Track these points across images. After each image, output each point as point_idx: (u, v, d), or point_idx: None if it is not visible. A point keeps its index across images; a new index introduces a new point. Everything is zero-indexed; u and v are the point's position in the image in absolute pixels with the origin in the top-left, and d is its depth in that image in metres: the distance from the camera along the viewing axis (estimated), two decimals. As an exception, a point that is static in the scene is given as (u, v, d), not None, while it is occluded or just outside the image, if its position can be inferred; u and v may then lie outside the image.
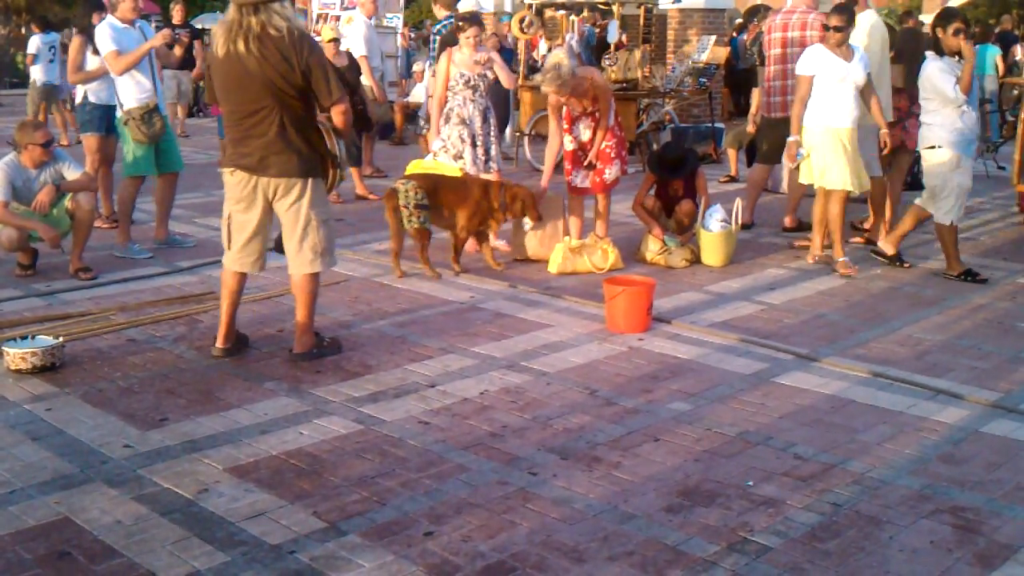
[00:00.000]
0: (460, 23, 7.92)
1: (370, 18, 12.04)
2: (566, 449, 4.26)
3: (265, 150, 5.02)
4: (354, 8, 13.06)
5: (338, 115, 5.08)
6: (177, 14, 15.25)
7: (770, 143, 8.88)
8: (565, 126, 7.56)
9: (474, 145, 7.71)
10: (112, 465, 4.06)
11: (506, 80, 8.00)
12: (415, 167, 7.76)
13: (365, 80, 11.65)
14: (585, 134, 7.56)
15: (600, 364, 5.36)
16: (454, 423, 4.54)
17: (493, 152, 7.85)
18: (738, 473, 4.04)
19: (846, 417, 4.66)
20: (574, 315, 6.25)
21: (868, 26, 7.84)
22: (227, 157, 5.15)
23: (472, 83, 7.70)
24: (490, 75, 7.80)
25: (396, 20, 17.37)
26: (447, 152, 7.68)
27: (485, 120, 7.78)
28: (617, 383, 5.07)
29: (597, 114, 7.46)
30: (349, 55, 10.83)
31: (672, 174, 7.79)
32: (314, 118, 5.13)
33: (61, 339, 5.35)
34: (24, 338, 5.31)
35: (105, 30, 7.57)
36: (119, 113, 7.61)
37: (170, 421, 4.52)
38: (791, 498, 3.83)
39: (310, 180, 5.12)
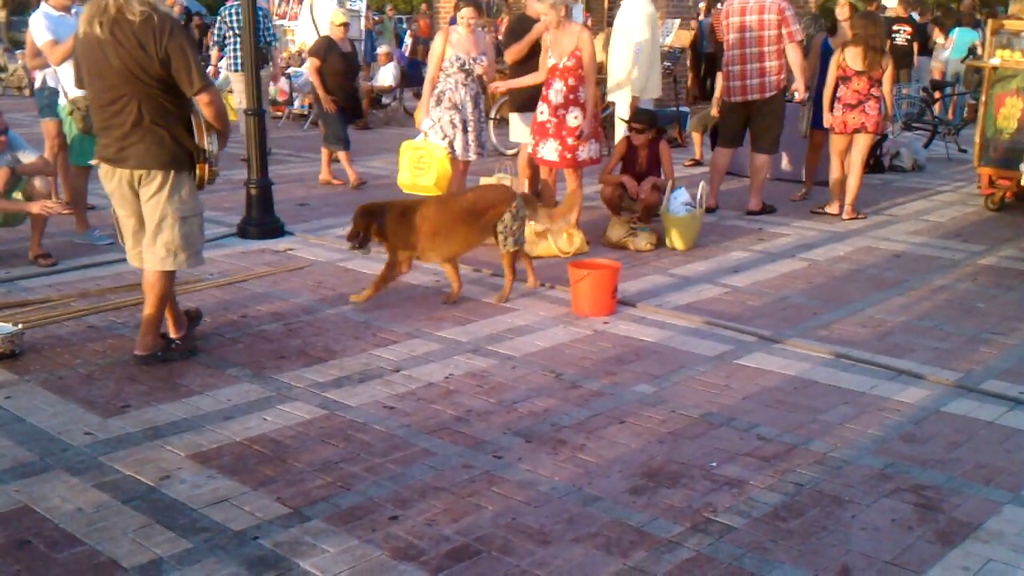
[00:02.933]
0: (458, 3, 7.86)
1: None
2: (531, 432, 4.26)
3: (123, 140, 4.76)
4: None
5: (203, 106, 4.79)
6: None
7: (729, 127, 8.92)
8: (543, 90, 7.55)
9: (465, 131, 7.68)
10: (73, 453, 4.01)
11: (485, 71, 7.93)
12: (407, 148, 7.72)
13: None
14: (556, 99, 7.43)
15: (565, 347, 5.36)
16: (419, 407, 4.53)
17: (483, 138, 7.86)
18: (702, 454, 4.06)
19: (809, 398, 4.70)
20: (539, 299, 6.24)
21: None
22: (96, 147, 4.97)
23: (467, 67, 7.64)
24: (484, 60, 7.74)
25: (360, 3, 17.27)
26: (436, 133, 7.65)
27: (476, 105, 7.76)
28: (582, 366, 5.07)
29: (572, 81, 7.39)
30: (352, 42, 10.72)
31: (642, 129, 7.84)
32: (182, 109, 4.81)
33: (20, 326, 5.27)
34: (-18, 325, 5.24)
35: (39, 19, 7.42)
36: (62, 102, 7.48)
37: (131, 408, 4.47)
38: (754, 478, 3.85)
39: (172, 173, 4.81)
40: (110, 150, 4.81)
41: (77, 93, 7.39)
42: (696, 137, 12.01)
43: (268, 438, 4.18)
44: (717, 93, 9.17)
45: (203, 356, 5.14)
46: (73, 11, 7.62)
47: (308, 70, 10.33)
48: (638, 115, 8.11)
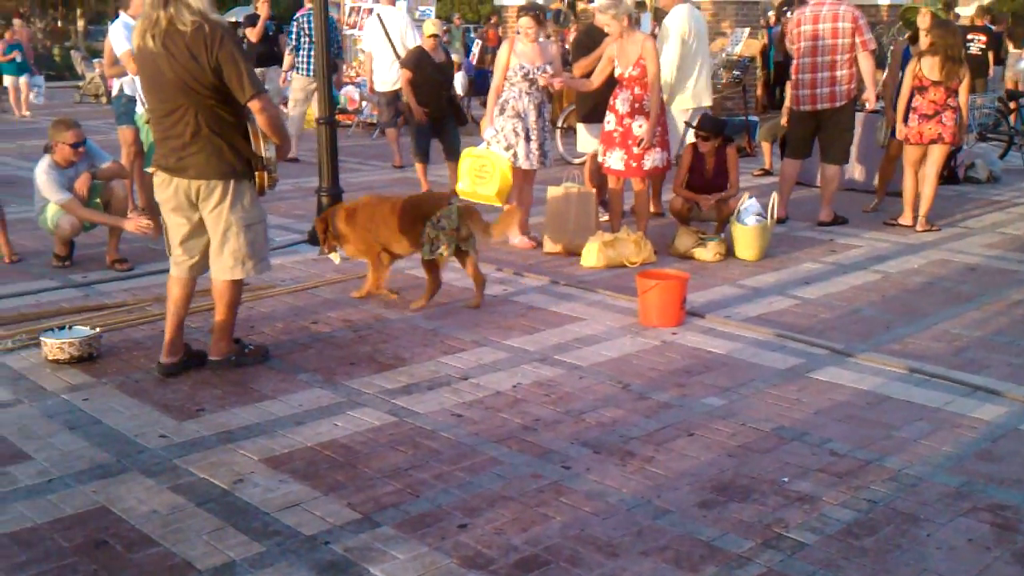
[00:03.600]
0: (518, 13, 7.89)
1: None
2: (599, 443, 4.25)
3: (182, 151, 4.76)
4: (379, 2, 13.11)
5: (256, 113, 4.72)
6: (263, 7, 13.75)
7: (798, 136, 8.82)
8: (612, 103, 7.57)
9: (528, 139, 7.68)
10: (148, 455, 4.09)
11: (561, 83, 7.91)
12: (467, 155, 7.77)
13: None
14: (623, 108, 7.51)
15: (633, 358, 5.34)
16: (487, 416, 4.54)
17: (547, 147, 7.83)
18: (773, 469, 4.02)
19: (882, 413, 4.62)
20: (607, 309, 6.23)
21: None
22: (153, 157, 5.02)
23: (530, 76, 7.64)
24: (550, 69, 7.71)
25: (428, 14, 17.39)
26: (499, 143, 7.67)
27: (540, 114, 7.73)
28: (650, 377, 5.05)
29: (639, 90, 7.42)
30: (447, 51, 10.63)
31: (707, 136, 7.80)
32: (239, 117, 4.79)
33: (98, 330, 5.40)
34: (62, 328, 5.37)
35: (118, 29, 7.62)
36: (139, 110, 7.64)
37: (205, 411, 4.55)
38: (827, 494, 3.80)
39: (232, 183, 4.81)
40: (169, 160, 4.81)
41: None
42: (766, 147, 11.90)
43: (339, 444, 4.22)
44: (787, 103, 9.09)
45: (275, 361, 5.21)
46: None
47: (400, 81, 10.32)
48: (704, 122, 8.05)
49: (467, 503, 3.70)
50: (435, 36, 10.10)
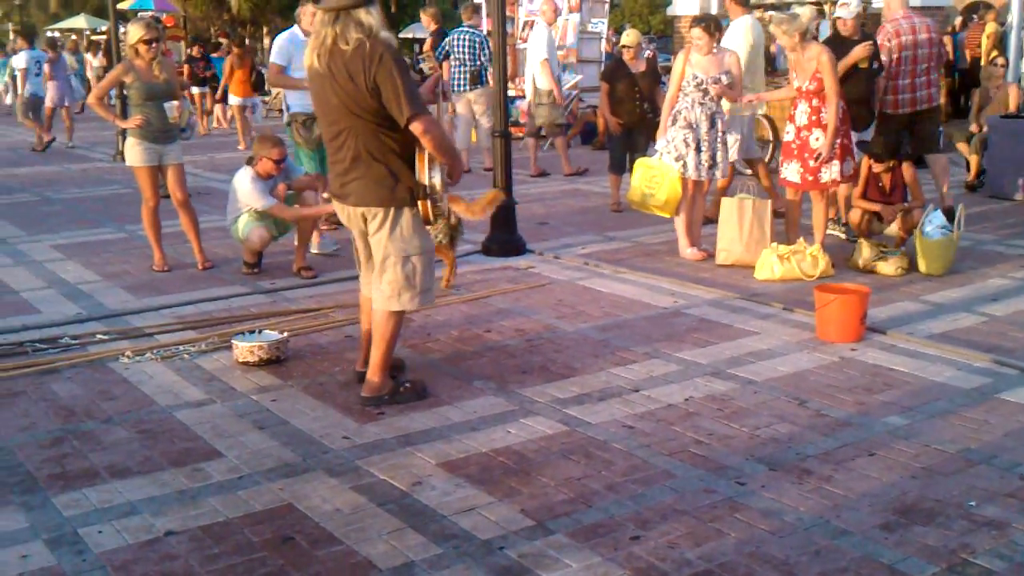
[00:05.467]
0: (690, 24, 7.87)
1: (550, 25, 12.19)
2: (775, 460, 4.18)
3: (344, 176, 4.66)
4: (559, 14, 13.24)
5: (419, 136, 4.47)
6: (430, 22, 13.87)
7: (893, 139, 8.51)
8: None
9: (698, 150, 7.60)
10: (332, 455, 4.26)
11: (732, 96, 7.79)
12: (640, 165, 7.78)
13: (547, 84, 11.77)
14: (802, 120, 7.43)
15: (810, 374, 5.22)
16: (659, 428, 4.53)
17: (719, 158, 7.72)
18: (959, 492, 3.86)
19: (1079, 438, 4.39)
20: (782, 323, 6.11)
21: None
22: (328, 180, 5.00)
23: (703, 86, 7.58)
24: (724, 79, 7.58)
25: (600, 25, 17.45)
26: (670, 154, 7.64)
27: (712, 125, 7.63)
28: (828, 394, 4.93)
29: (816, 102, 7.31)
30: (649, 60, 10.44)
31: (890, 154, 7.54)
32: (404, 142, 4.55)
33: (285, 334, 5.65)
34: (251, 332, 5.64)
35: (278, 41, 8.00)
36: (285, 116, 7.93)
37: (386, 415, 4.70)
38: (1017, 520, 3.63)
39: (391, 210, 4.61)
40: (335, 185, 4.76)
41: (297, 109, 7.86)
42: (974, 159, 11.28)
43: (512, 450, 4.29)
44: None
45: (450, 368, 5.33)
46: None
47: (600, 94, 10.34)
48: (874, 143, 7.82)
49: (640, 515, 3.70)
50: (629, 46, 9.84)
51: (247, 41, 24.03)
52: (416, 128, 4.44)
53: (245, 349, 5.38)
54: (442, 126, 4.58)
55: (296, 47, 7.84)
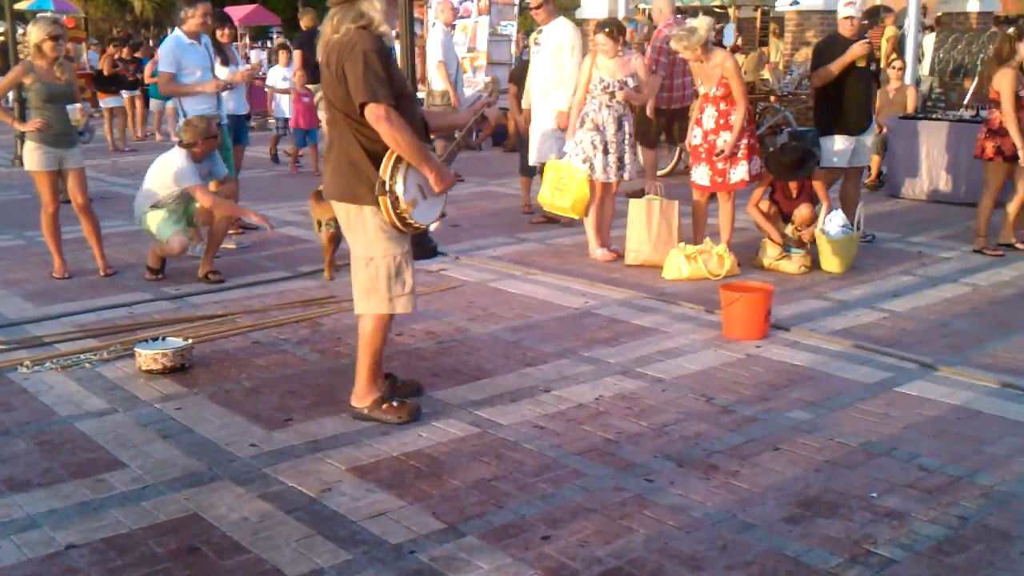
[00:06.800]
0: (595, 30, 7.90)
1: (447, 26, 12.17)
2: (683, 456, 4.23)
3: (324, 167, 4.58)
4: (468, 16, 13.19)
5: (372, 123, 4.21)
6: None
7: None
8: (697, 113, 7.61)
9: (606, 152, 7.67)
10: (239, 463, 4.19)
11: (639, 99, 7.89)
12: (549, 167, 7.81)
13: (442, 86, 11.75)
14: (709, 124, 7.52)
15: (717, 371, 5.30)
16: (569, 428, 4.55)
17: (627, 160, 7.79)
18: (861, 484, 3.96)
19: (973, 428, 4.52)
20: (689, 321, 6.20)
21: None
22: None
23: (610, 89, 7.65)
24: (631, 82, 7.68)
25: (510, 28, 17.48)
26: (578, 156, 7.69)
27: (620, 127, 7.71)
28: (734, 391, 5.01)
29: (724, 106, 7.42)
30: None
31: (790, 175, 7.64)
32: (375, 136, 4.27)
33: (190, 341, 5.54)
34: (155, 339, 5.53)
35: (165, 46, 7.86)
36: (180, 121, 7.77)
37: (294, 421, 4.64)
38: (916, 511, 3.73)
39: (354, 208, 4.43)
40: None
41: (194, 113, 7.72)
42: None
43: (424, 454, 4.27)
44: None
45: (360, 373, 5.29)
46: (201, 41, 8.01)
47: (508, 96, 10.31)
48: (786, 151, 7.88)
49: (550, 515, 3.72)
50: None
51: (151, 42, 23.49)
52: (368, 114, 4.20)
53: (148, 357, 5.27)
54: (403, 121, 4.24)
55: (183, 51, 7.70)
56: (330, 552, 3.45)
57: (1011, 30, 7.91)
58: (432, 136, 4.96)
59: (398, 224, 4.39)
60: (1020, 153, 7.60)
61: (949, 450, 4.28)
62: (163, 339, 5.53)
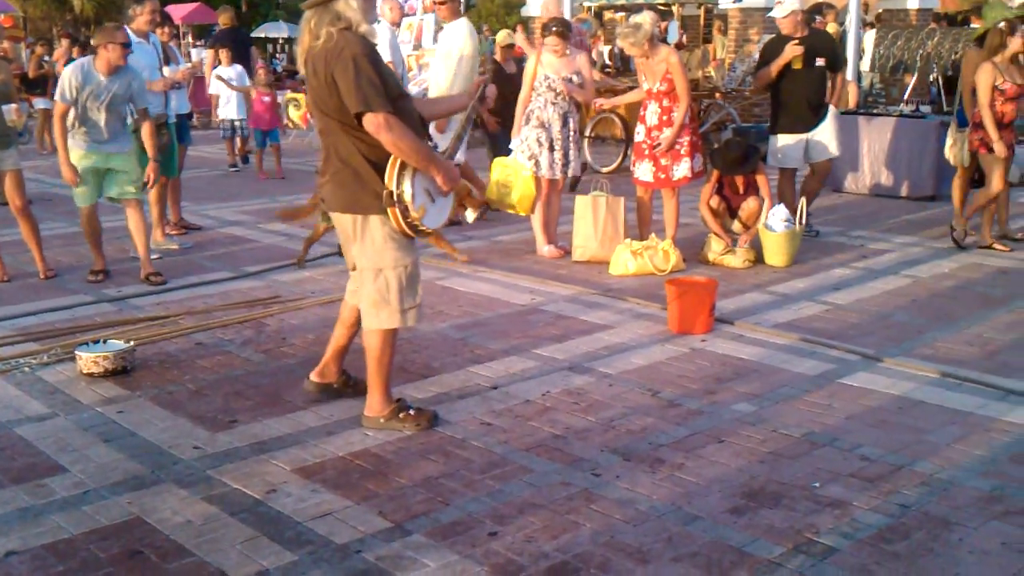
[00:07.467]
0: (543, 31, 7.88)
1: (393, 25, 12.11)
2: (629, 450, 4.26)
3: (322, 179, 4.40)
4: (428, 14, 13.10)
5: (373, 133, 4.06)
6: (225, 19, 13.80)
7: None
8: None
9: (551, 149, 7.69)
10: (182, 466, 4.14)
11: (582, 95, 7.86)
12: (496, 164, 7.81)
13: None
14: (652, 120, 7.57)
15: (663, 365, 5.34)
16: (516, 424, 4.56)
17: (571, 156, 7.82)
18: (804, 474, 4.01)
19: (914, 418, 4.60)
20: (636, 317, 6.23)
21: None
22: None
23: (554, 86, 7.67)
24: (575, 79, 7.70)
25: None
26: (523, 153, 7.69)
27: (565, 124, 7.73)
28: (680, 384, 5.05)
29: (667, 102, 7.47)
30: (518, 61, 10.37)
31: (734, 170, 7.72)
32: (374, 144, 4.14)
33: (132, 343, 5.47)
34: (96, 342, 5.44)
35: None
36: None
37: (238, 423, 4.60)
38: (858, 499, 3.79)
39: (360, 218, 4.28)
40: (321, 189, 4.47)
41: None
42: None
43: (370, 453, 4.25)
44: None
45: (306, 372, 5.22)
46: (151, 40, 7.87)
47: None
48: (730, 147, 7.95)
49: (497, 511, 3.72)
50: (508, 47, 9.95)
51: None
52: (368, 125, 4.04)
53: (89, 360, 5.19)
54: (404, 126, 4.10)
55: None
56: (275, 554, 3.42)
57: (1002, 24, 7.99)
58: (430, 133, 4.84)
59: (409, 232, 4.29)
60: (994, 145, 7.72)
61: (890, 439, 4.35)
62: (104, 342, 5.45)
